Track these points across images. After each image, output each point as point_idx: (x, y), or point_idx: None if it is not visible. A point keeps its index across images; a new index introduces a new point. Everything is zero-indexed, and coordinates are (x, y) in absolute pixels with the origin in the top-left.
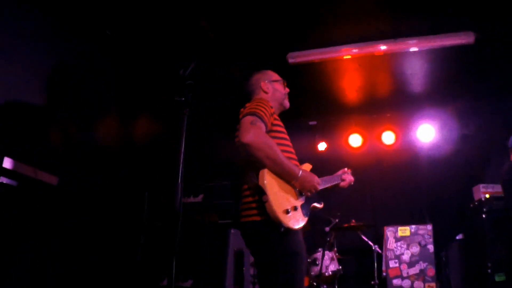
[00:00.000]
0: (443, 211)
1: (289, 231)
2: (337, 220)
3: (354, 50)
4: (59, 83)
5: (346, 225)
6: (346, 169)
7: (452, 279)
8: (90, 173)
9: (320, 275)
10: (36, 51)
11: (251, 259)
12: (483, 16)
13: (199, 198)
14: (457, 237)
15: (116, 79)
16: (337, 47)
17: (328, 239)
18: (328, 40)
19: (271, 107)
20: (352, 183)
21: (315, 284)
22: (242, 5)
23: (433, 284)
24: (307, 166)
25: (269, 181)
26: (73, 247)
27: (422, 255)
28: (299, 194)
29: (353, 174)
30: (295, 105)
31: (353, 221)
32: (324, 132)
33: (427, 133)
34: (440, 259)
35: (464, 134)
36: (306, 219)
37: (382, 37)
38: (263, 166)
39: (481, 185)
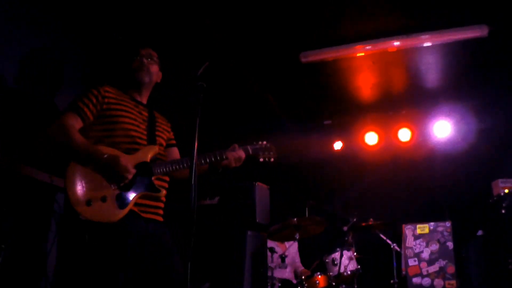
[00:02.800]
0: (462, 207)
1: (96, 226)
2: (354, 219)
3: (367, 47)
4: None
5: (364, 224)
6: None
7: (472, 276)
8: None
9: (339, 275)
10: (39, 51)
11: (269, 260)
12: (496, 8)
13: (215, 200)
14: (477, 234)
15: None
16: (350, 45)
17: (346, 238)
18: (340, 38)
19: (101, 91)
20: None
21: (334, 284)
22: (254, 4)
23: (453, 282)
24: (148, 150)
25: (70, 171)
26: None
27: (441, 253)
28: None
29: (370, 171)
30: (309, 105)
31: (371, 219)
32: (340, 131)
33: (444, 128)
34: (460, 256)
35: (481, 129)
36: (122, 211)
37: (394, 33)
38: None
39: (499, 180)
